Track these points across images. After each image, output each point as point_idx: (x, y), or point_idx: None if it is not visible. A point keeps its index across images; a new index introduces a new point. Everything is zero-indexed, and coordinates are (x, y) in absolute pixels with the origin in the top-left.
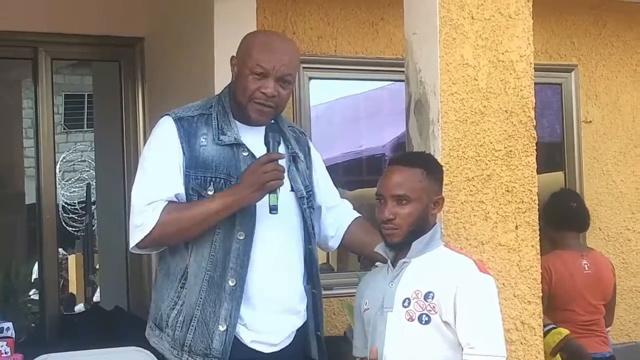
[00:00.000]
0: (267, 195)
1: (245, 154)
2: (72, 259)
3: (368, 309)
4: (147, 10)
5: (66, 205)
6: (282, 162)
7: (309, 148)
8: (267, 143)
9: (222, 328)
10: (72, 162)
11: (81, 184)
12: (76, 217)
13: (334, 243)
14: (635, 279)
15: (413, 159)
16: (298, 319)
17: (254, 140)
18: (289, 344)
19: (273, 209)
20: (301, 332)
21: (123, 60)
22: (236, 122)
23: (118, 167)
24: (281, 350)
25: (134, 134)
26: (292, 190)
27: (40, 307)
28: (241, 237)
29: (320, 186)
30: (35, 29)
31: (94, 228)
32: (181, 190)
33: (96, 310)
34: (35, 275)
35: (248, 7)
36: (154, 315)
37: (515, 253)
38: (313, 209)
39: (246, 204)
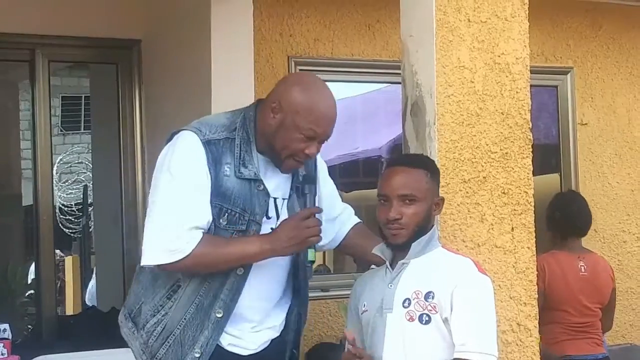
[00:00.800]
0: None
1: (260, 188)
2: (69, 261)
3: (366, 310)
4: (144, 13)
5: (63, 207)
6: (284, 183)
7: (315, 165)
8: (303, 194)
9: (196, 354)
10: (69, 164)
11: (78, 186)
12: (73, 219)
13: (330, 247)
14: (631, 280)
15: (416, 160)
16: (274, 332)
17: (271, 175)
18: (265, 348)
19: (308, 264)
20: (277, 341)
21: (120, 63)
22: (258, 155)
23: (115, 169)
24: (257, 353)
25: (130, 136)
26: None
27: (37, 309)
28: (240, 273)
29: (324, 199)
30: (33, 31)
31: (90, 230)
32: (211, 218)
33: (92, 311)
34: (32, 276)
35: (245, 10)
36: (130, 307)
37: (511, 255)
38: None
39: (281, 255)
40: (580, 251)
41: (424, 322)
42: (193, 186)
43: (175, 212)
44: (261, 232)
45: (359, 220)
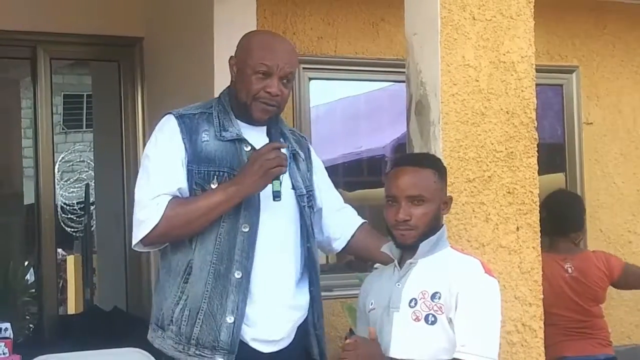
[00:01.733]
0: (271, 183)
1: (248, 149)
2: (70, 260)
3: (374, 308)
4: (146, 10)
5: (65, 206)
6: (284, 152)
7: (309, 151)
8: (269, 134)
9: (229, 320)
10: (71, 163)
11: (80, 184)
12: (75, 218)
13: (338, 245)
14: None
15: (424, 160)
16: (299, 314)
17: (256, 137)
18: (290, 343)
19: (277, 196)
20: (302, 330)
21: (122, 60)
22: (238, 120)
23: (117, 167)
24: (280, 350)
25: (133, 134)
26: (293, 188)
27: (39, 308)
28: (246, 230)
29: (322, 189)
30: (34, 29)
31: (92, 228)
32: (184, 184)
33: (95, 310)
34: (33, 275)
35: (248, 8)
36: (155, 317)
37: (516, 255)
38: (313, 209)
39: (250, 193)
40: (568, 251)
41: (429, 322)
42: (160, 158)
43: (143, 187)
44: (262, 197)
45: (363, 220)
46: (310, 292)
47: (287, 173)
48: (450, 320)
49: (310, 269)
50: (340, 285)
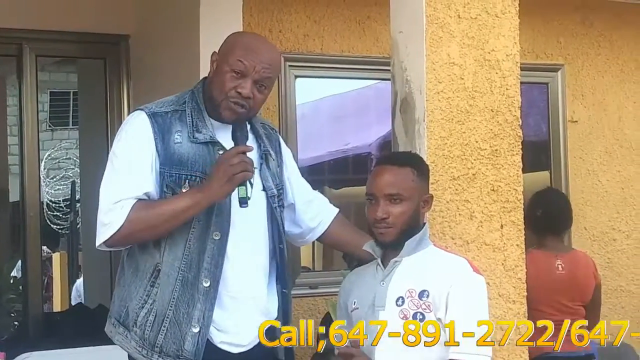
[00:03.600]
0: (237, 188)
1: (221, 152)
2: (56, 257)
3: (357, 308)
4: (132, 8)
5: (51, 203)
6: (251, 155)
7: (279, 144)
8: (234, 138)
9: (195, 330)
10: (57, 160)
11: (66, 182)
12: (61, 215)
13: (312, 236)
14: (620, 278)
15: (403, 158)
16: (267, 320)
17: (229, 138)
18: (257, 344)
19: (243, 202)
20: (269, 332)
21: (108, 58)
22: (211, 120)
23: (103, 165)
24: (249, 350)
25: None
26: (264, 189)
27: (24, 305)
28: (217, 237)
29: (292, 182)
30: (20, 26)
31: (78, 226)
32: (151, 188)
33: (79, 308)
34: (18, 273)
35: (234, 5)
36: (117, 312)
37: (500, 252)
38: (283, 207)
39: (216, 200)
40: (559, 250)
41: (418, 320)
42: (125, 159)
43: (109, 188)
44: (234, 202)
45: (337, 209)
46: (283, 294)
47: (258, 174)
48: (439, 320)
49: (282, 270)
50: (325, 282)
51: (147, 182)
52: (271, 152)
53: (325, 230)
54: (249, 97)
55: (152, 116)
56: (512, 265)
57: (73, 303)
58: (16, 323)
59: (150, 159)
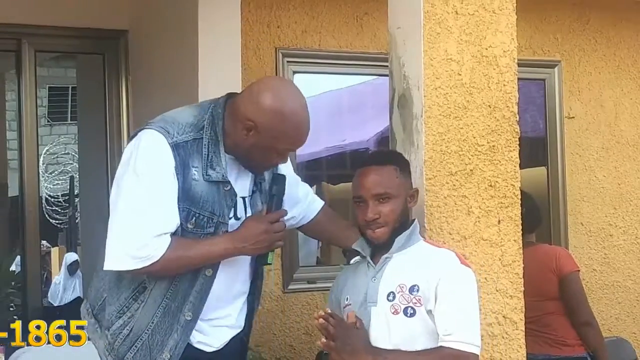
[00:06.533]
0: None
1: (227, 189)
2: (55, 252)
3: (349, 304)
4: (131, 3)
5: (49, 198)
6: (246, 183)
7: None
8: (271, 196)
9: (165, 357)
10: (56, 155)
11: (65, 177)
12: (59, 210)
13: (292, 227)
14: (617, 274)
15: (384, 157)
16: (237, 328)
17: (237, 173)
18: (226, 345)
19: (263, 264)
20: (237, 337)
21: (107, 53)
22: (226, 155)
23: (101, 160)
24: (220, 349)
25: (117, 127)
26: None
27: (23, 300)
28: (208, 274)
29: (287, 183)
30: (19, 21)
31: (77, 221)
32: (179, 221)
33: (78, 302)
34: (17, 267)
35: (232, 1)
36: (92, 301)
37: (497, 247)
38: None
39: (244, 255)
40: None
41: (408, 314)
42: (160, 190)
43: (143, 217)
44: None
45: (322, 202)
46: (251, 305)
47: (249, 203)
48: (429, 312)
49: (256, 284)
50: (323, 277)
51: (177, 216)
52: (266, 175)
53: (307, 223)
54: None
55: (175, 147)
56: (509, 261)
57: (54, 303)
58: (15, 317)
59: (175, 191)
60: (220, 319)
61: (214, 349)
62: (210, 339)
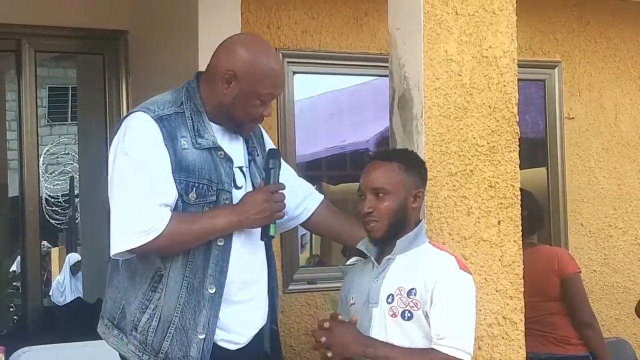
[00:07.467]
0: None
1: (222, 156)
2: (55, 252)
3: (354, 303)
4: (131, 3)
5: (49, 198)
6: (240, 152)
7: (262, 135)
8: (267, 169)
9: (200, 336)
10: (56, 155)
11: (65, 177)
12: (59, 210)
13: (294, 223)
14: (617, 274)
15: (391, 153)
16: (262, 318)
17: (228, 142)
18: (250, 341)
19: (266, 237)
20: (261, 329)
21: (107, 53)
22: (211, 123)
23: (102, 160)
24: (244, 347)
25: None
26: (253, 187)
27: (23, 300)
28: (221, 244)
29: (281, 172)
30: (19, 21)
31: (77, 221)
32: (176, 195)
33: (79, 303)
34: (18, 267)
35: (233, 1)
36: (110, 314)
37: (497, 248)
38: None
39: (248, 228)
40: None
41: (406, 318)
42: (153, 163)
43: (139, 191)
44: (233, 201)
45: (322, 196)
46: (271, 290)
47: (248, 173)
48: (426, 315)
49: (270, 263)
50: (323, 277)
51: (173, 187)
52: (258, 148)
53: (309, 218)
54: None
55: (159, 120)
56: (509, 261)
57: (57, 302)
58: (15, 317)
59: (168, 164)
60: (247, 302)
61: (239, 346)
62: (234, 336)
